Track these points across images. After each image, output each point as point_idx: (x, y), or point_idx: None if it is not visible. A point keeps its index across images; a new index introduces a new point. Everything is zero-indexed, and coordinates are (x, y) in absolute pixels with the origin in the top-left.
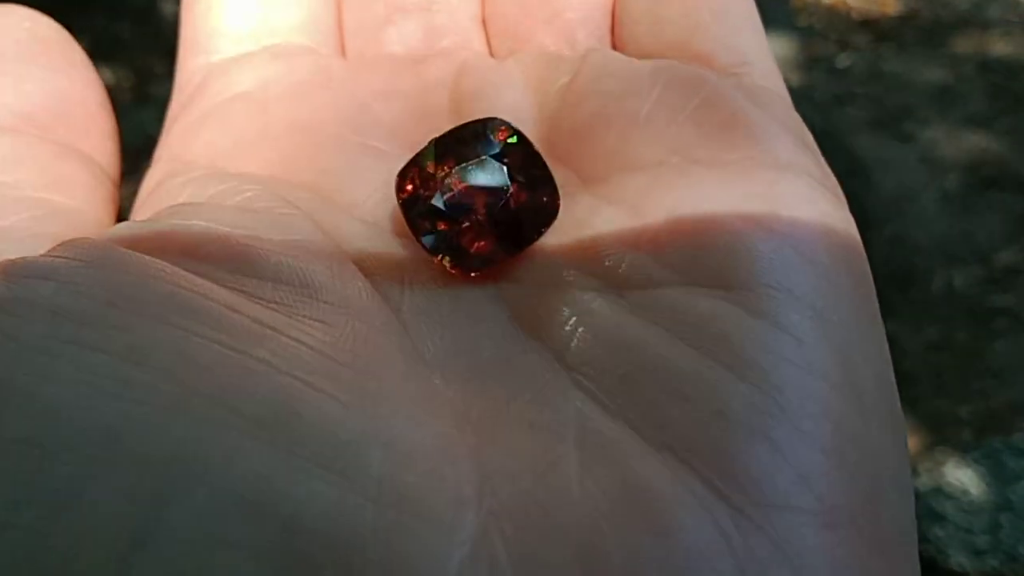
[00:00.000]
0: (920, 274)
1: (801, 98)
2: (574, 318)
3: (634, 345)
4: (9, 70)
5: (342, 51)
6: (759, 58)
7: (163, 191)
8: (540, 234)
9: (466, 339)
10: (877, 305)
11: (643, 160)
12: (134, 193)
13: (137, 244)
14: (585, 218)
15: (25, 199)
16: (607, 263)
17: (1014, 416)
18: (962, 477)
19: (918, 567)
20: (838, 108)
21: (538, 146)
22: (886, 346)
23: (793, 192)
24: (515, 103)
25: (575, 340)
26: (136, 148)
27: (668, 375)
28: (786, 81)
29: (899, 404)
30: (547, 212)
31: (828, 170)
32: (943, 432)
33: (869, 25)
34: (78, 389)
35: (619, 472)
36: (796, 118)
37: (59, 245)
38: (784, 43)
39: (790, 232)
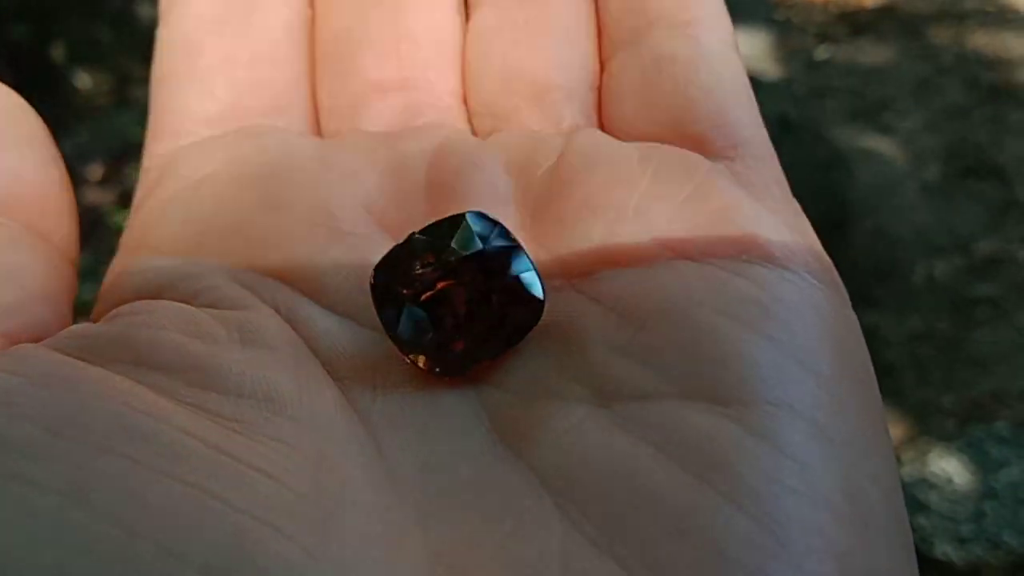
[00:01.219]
0: (901, 265)
1: (780, 91)
2: (560, 436)
3: (624, 468)
4: None
5: (318, 132)
6: (751, 133)
7: (122, 284)
8: (524, 335)
9: (441, 454)
10: (882, 410)
11: (632, 256)
12: (110, 201)
13: (87, 352)
14: (571, 318)
15: None
16: (595, 370)
17: (996, 405)
18: (946, 466)
19: None
20: (817, 101)
21: (520, 232)
22: (892, 457)
23: (791, 294)
24: (496, 185)
25: (560, 461)
26: (115, 153)
27: (661, 506)
28: (764, 75)
29: (908, 526)
30: (532, 313)
31: (827, 260)
32: (926, 422)
33: (847, 18)
34: (17, 534)
35: None
36: (793, 204)
37: (3, 356)
38: (762, 36)
39: (789, 340)
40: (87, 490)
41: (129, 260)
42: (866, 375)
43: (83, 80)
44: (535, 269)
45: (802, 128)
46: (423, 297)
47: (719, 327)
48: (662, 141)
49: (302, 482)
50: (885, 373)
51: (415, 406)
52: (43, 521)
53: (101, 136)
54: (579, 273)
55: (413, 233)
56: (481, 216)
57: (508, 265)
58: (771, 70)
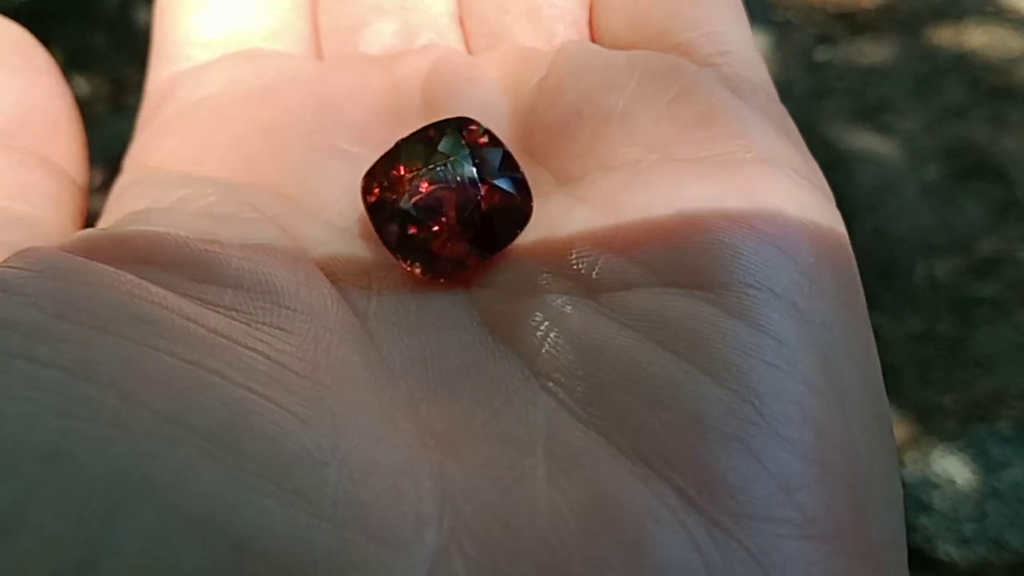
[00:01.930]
0: (902, 265)
1: (779, 92)
2: (545, 323)
3: (606, 350)
4: None
5: (318, 55)
6: (740, 46)
7: (126, 198)
8: (513, 237)
9: (434, 345)
10: (864, 304)
11: (618, 158)
12: None
13: (93, 252)
14: (559, 219)
15: None
16: (581, 265)
17: (998, 404)
18: (948, 466)
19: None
20: (816, 102)
21: (512, 144)
22: (873, 347)
23: (774, 187)
24: (488, 100)
25: (546, 346)
26: (113, 158)
27: (642, 381)
28: None
29: (887, 407)
30: (520, 214)
31: (813, 163)
32: (928, 422)
33: (846, 18)
34: (24, 405)
35: (588, 485)
36: (779, 108)
37: (12, 256)
38: (761, 37)
39: (771, 229)
40: (91, 366)
41: (130, 178)
42: (848, 267)
43: (80, 86)
44: (522, 173)
45: (801, 129)
46: (413, 201)
47: (702, 219)
48: (650, 50)
49: (298, 363)
50: (886, 374)
51: (408, 305)
52: (48, 393)
53: (99, 142)
54: (568, 178)
55: (402, 139)
56: (469, 121)
57: (496, 169)
58: (770, 71)
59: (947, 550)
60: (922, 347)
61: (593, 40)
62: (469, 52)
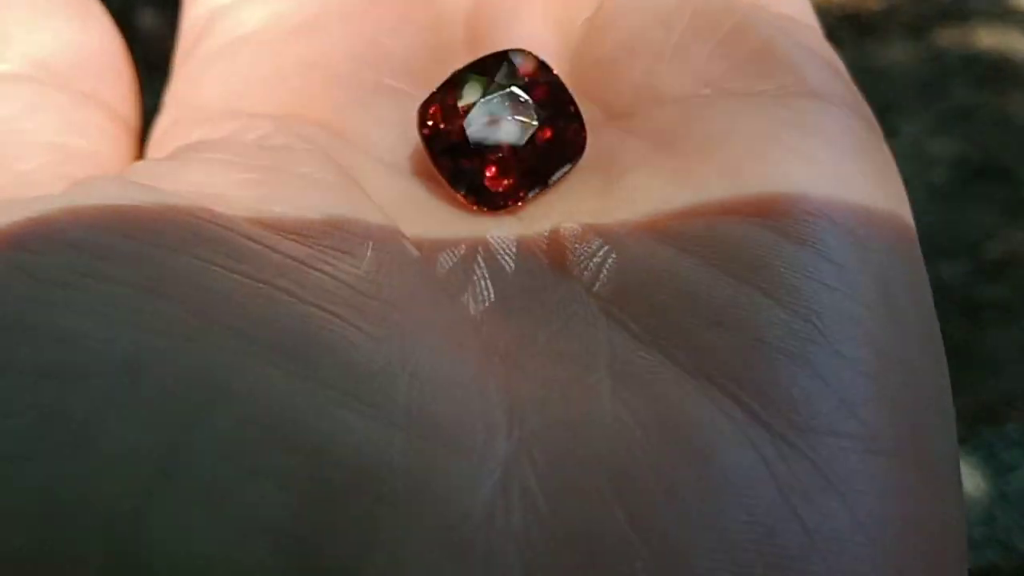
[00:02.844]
0: None
1: None
2: (603, 249)
3: (665, 274)
4: (25, 20)
5: None
6: None
7: (174, 133)
8: (566, 170)
9: (488, 271)
10: (915, 234)
11: (672, 93)
12: None
13: (154, 179)
14: (612, 153)
15: (44, 144)
16: (635, 196)
17: (1007, 407)
18: None
19: (962, 494)
20: None
21: (564, 81)
22: (925, 277)
23: (829, 120)
24: (536, 35)
25: (604, 271)
26: None
27: (702, 303)
28: None
29: (939, 334)
30: (573, 147)
31: (862, 99)
32: None
33: (851, 19)
34: (96, 320)
35: (653, 399)
36: (828, 47)
37: (76, 184)
38: None
39: (826, 159)
40: (162, 283)
41: (175, 115)
42: (900, 199)
43: None
44: (577, 105)
45: None
46: (467, 132)
47: (757, 150)
48: None
49: (364, 283)
50: None
51: (460, 234)
52: (120, 309)
53: None
54: (620, 113)
55: (457, 70)
56: (523, 53)
57: (550, 101)
58: None
59: None
60: None
61: None
62: None
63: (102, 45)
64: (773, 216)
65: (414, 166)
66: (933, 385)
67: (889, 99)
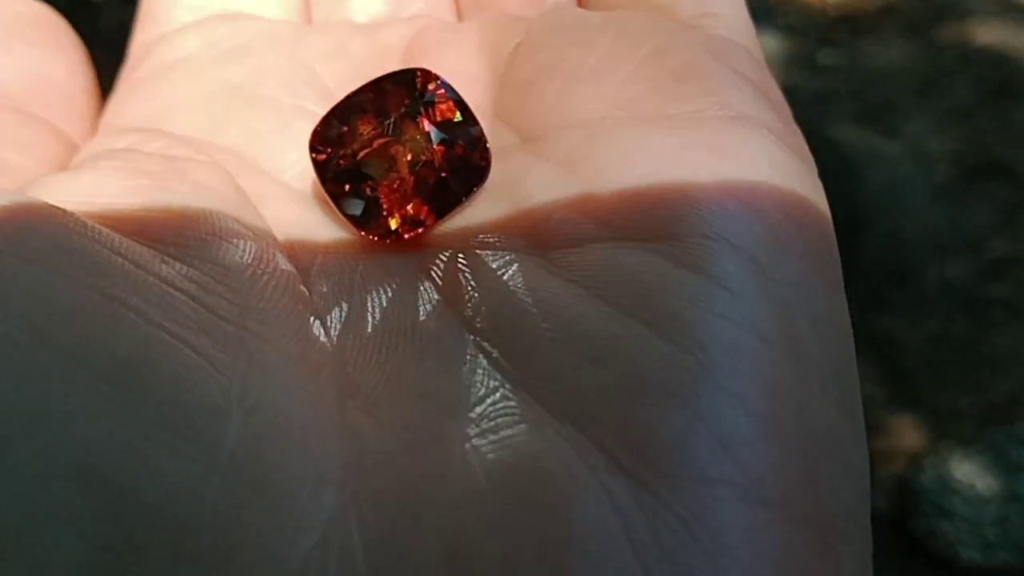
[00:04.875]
0: (914, 269)
1: (783, 97)
2: (488, 283)
3: (547, 307)
4: None
5: (308, 21)
6: (727, 11)
7: (88, 150)
8: (468, 195)
9: (373, 305)
10: (838, 271)
11: (583, 115)
12: None
13: (49, 190)
14: (517, 177)
15: None
16: (535, 223)
17: (1015, 406)
18: (967, 471)
19: (869, 561)
20: (821, 106)
21: (485, 109)
22: (845, 315)
23: (744, 143)
24: (465, 64)
25: (486, 305)
26: None
27: (578, 337)
28: None
29: (855, 378)
30: (476, 171)
31: (794, 127)
32: (945, 426)
33: (848, 20)
34: None
35: (509, 447)
36: (763, 71)
37: None
38: (763, 42)
39: (735, 182)
40: (5, 298)
41: (101, 138)
42: (820, 231)
43: None
44: (480, 127)
45: (807, 134)
46: (361, 156)
47: (661, 172)
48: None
49: (226, 305)
50: (901, 378)
51: (354, 265)
52: None
53: None
54: (531, 137)
55: (351, 92)
56: (425, 73)
57: (452, 123)
58: (773, 76)
59: (971, 555)
60: (936, 350)
61: (580, 6)
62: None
63: (65, 74)
64: (668, 240)
65: (319, 192)
66: (839, 438)
67: (888, 99)
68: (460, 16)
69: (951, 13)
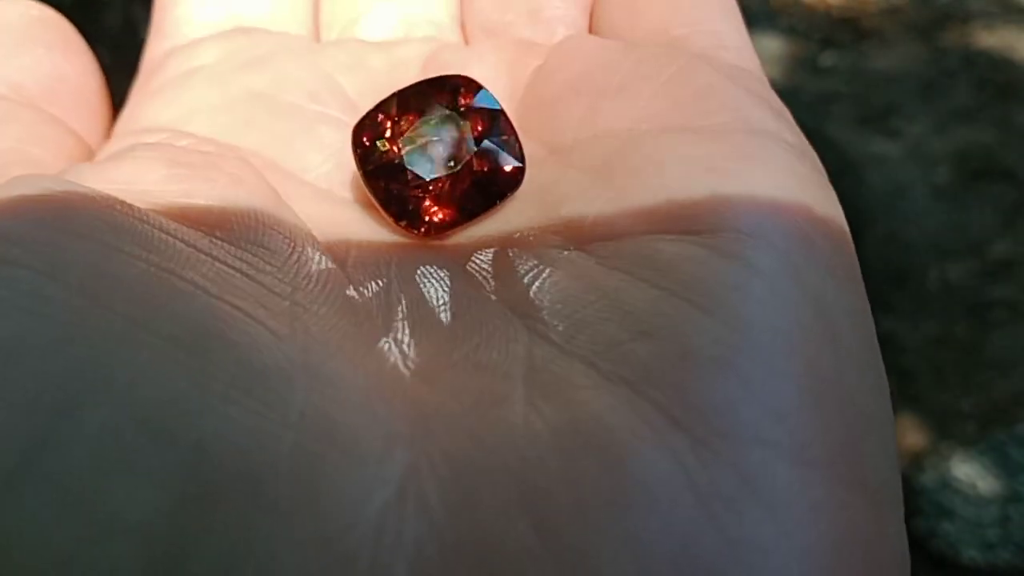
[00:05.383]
0: (915, 270)
1: (785, 100)
2: (532, 271)
3: (592, 289)
4: (9, 47)
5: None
6: (737, 43)
7: (113, 147)
8: (502, 199)
9: (413, 292)
10: (860, 280)
11: (613, 128)
12: None
13: (85, 177)
14: (550, 183)
15: (2, 148)
16: (570, 222)
17: (1017, 407)
18: (968, 471)
19: (904, 531)
20: (824, 107)
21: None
22: (868, 311)
23: (768, 152)
24: (486, 78)
25: (531, 290)
26: None
27: (628, 314)
28: (770, 82)
29: (883, 368)
30: (510, 177)
31: (807, 144)
32: (947, 427)
33: (850, 22)
34: None
35: (568, 406)
36: (773, 96)
37: (11, 179)
38: (765, 44)
39: (763, 187)
40: (60, 267)
41: (118, 139)
42: (843, 242)
43: None
44: (516, 135)
45: (809, 136)
46: (403, 154)
47: (693, 175)
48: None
49: (278, 283)
50: (902, 379)
51: (389, 258)
52: (14, 292)
53: None
54: (561, 148)
55: (398, 90)
56: (467, 80)
57: (489, 129)
58: (775, 78)
59: (972, 555)
60: (938, 351)
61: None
62: None
63: (77, 77)
64: (705, 234)
65: (352, 193)
66: (872, 411)
67: (890, 101)
68: (467, 42)
69: (953, 16)
